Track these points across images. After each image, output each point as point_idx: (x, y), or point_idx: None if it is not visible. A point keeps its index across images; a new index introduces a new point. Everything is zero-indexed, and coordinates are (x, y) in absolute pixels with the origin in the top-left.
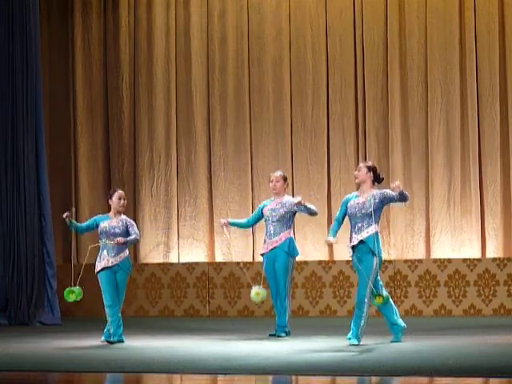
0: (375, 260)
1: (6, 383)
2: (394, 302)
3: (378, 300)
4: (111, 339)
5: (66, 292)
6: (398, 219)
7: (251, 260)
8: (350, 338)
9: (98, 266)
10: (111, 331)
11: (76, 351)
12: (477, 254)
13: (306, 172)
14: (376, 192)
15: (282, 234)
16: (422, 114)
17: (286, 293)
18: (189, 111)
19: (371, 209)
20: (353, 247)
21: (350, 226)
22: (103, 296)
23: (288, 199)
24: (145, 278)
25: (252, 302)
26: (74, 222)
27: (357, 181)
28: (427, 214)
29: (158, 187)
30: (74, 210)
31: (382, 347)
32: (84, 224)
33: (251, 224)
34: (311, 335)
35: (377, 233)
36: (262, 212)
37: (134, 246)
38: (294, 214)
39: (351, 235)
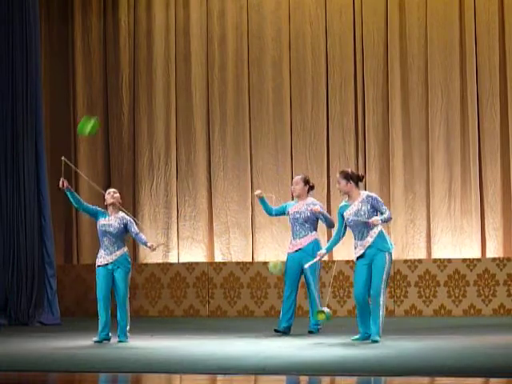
0: (387, 256)
1: (6, 383)
2: (394, 301)
3: (320, 316)
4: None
5: (81, 123)
6: (398, 219)
7: (251, 260)
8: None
9: (96, 263)
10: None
11: (76, 351)
12: (477, 254)
13: (306, 172)
14: (365, 196)
15: (306, 237)
16: (422, 114)
17: (317, 292)
18: (188, 111)
19: (366, 216)
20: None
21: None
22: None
23: (312, 201)
24: (144, 278)
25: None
26: (75, 193)
27: (342, 193)
28: (427, 214)
29: (157, 187)
30: (63, 158)
31: (382, 347)
32: (85, 204)
33: (274, 214)
34: (311, 335)
35: (380, 232)
36: (286, 210)
37: (134, 245)
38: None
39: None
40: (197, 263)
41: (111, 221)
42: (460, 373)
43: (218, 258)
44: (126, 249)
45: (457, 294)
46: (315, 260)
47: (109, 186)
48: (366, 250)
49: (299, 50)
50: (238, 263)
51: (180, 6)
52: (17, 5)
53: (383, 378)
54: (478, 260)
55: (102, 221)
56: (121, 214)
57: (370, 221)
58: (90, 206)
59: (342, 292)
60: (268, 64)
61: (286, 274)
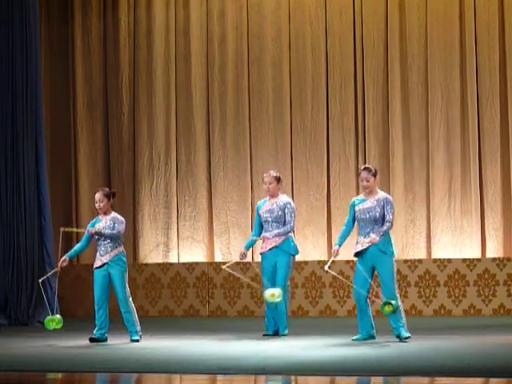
0: (392, 260)
1: (6, 383)
2: None
3: (387, 308)
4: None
5: (46, 320)
6: (398, 219)
7: (250, 260)
8: (398, 335)
9: (93, 266)
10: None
11: (76, 351)
12: (477, 254)
13: (306, 172)
14: (382, 196)
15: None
16: (422, 114)
17: (284, 289)
18: (188, 111)
19: (377, 216)
20: (363, 251)
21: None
22: None
23: (283, 199)
24: (144, 278)
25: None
26: (70, 255)
27: (368, 190)
28: (427, 214)
29: (157, 187)
30: (62, 230)
31: (382, 347)
32: (86, 242)
33: (261, 231)
34: (311, 335)
35: (386, 233)
36: (258, 213)
37: (134, 245)
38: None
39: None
40: (197, 263)
41: (103, 223)
42: (460, 373)
43: (218, 258)
44: (121, 248)
45: (457, 294)
46: (331, 259)
47: (109, 186)
48: (368, 248)
49: (299, 50)
50: (238, 263)
51: (180, 5)
52: (17, 5)
53: (383, 378)
54: (478, 260)
55: (96, 226)
56: (112, 214)
57: (368, 240)
58: (84, 242)
59: (342, 292)
60: (268, 64)
61: (262, 274)
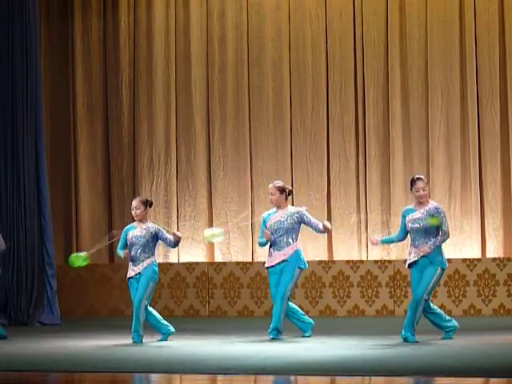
0: (439, 270)
1: (6, 383)
2: (394, 302)
3: (432, 221)
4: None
5: (72, 257)
6: (398, 219)
7: (251, 260)
8: (406, 338)
9: (127, 275)
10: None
11: (76, 351)
12: (477, 254)
13: (306, 172)
14: (433, 207)
15: (289, 247)
16: (422, 114)
17: (284, 300)
18: (188, 111)
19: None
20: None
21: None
22: None
23: (292, 210)
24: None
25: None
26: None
27: (423, 199)
28: None
29: (157, 187)
30: (114, 234)
31: (381, 347)
32: (121, 244)
33: (265, 242)
34: (311, 335)
35: (439, 246)
36: (265, 225)
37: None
38: (300, 224)
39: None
40: (197, 263)
41: (137, 232)
42: (460, 373)
43: (218, 258)
44: (154, 259)
45: (457, 294)
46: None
47: (109, 186)
48: (419, 259)
49: (299, 50)
50: (238, 263)
51: (180, 5)
52: (17, 5)
53: (383, 378)
54: (478, 260)
55: (129, 234)
56: (149, 224)
57: (424, 250)
58: (123, 240)
59: (342, 292)
60: (268, 64)
61: (270, 290)
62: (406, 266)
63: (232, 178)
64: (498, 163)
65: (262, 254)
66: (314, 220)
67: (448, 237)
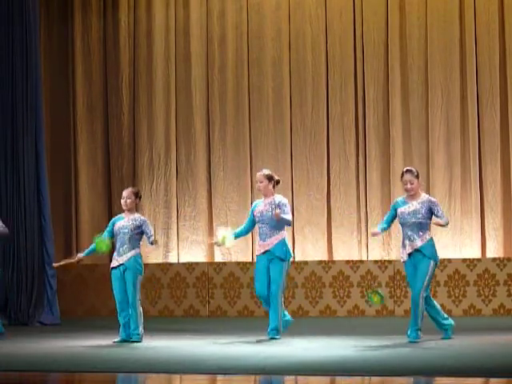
0: (432, 264)
1: (6, 383)
2: (394, 302)
3: (375, 299)
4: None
5: (98, 241)
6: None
7: (250, 260)
8: (411, 337)
9: (111, 265)
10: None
11: (76, 351)
12: (477, 254)
13: (306, 172)
14: (426, 199)
15: (273, 237)
16: (422, 115)
17: (279, 298)
18: (188, 111)
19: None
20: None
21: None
22: None
23: (277, 198)
24: (145, 277)
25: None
26: (86, 254)
27: (412, 193)
28: None
29: (157, 187)
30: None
31: (381, 347)
32: (107, 236)
33: (251, 228)
34: (311, 335)
35: (431, 239)
36: (253, 214)
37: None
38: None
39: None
40: (197, 263)
41: (124, 223)
42: (460, 373)
43: (218, 258)
44: (138, 250)
45: (457, 294)
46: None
47: (109, 186)
48: (413, 251)
49: (299, 50)
50: (238, 263)
51: (180, 5)
52: (17, 5)
53: (383, 378)
54: (478, 260)
55: (117, 224)
56: (136, 215)
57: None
58: (108, 230)
59: (342, 292)
60: (268, 64)
61: (255, 277)
62: (402, 260)
63: (232, 178)
64: (498, 163)
65: None
66: (288, 212)
67: (448, 221)
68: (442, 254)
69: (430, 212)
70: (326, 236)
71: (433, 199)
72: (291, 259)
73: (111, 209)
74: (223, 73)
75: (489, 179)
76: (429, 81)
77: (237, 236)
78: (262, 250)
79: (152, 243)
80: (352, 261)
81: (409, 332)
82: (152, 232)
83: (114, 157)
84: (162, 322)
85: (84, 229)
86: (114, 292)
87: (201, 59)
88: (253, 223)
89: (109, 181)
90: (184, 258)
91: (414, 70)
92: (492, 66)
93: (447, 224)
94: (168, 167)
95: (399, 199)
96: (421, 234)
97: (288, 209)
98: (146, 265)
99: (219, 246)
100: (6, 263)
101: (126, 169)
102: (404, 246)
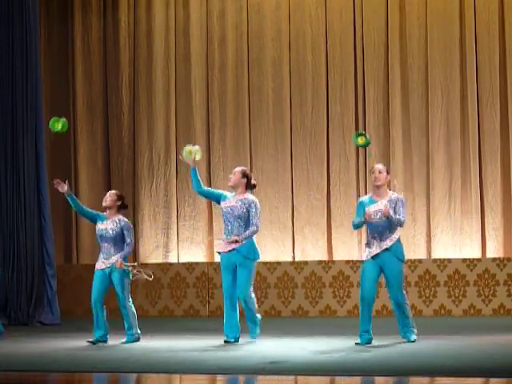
0: (402, 265)
1: (6, 383)
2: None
3: (360, 140)
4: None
5: (52, 121)
6: None
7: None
8: (406, 337)
9: (96, 266)
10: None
11: (76, 351)
12: (477, 254)
13: (306, 172)
14: (394, 197)
15: (240, 236)
16: (422, 114)
17: (248, 295)
18: (188, 111)
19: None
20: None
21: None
22: None
23: (250, 198)
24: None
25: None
26: (75, 198)
27: (379, 183)
28: (427, 214)
29: (157, 187)
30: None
31: (381, 347)
32: (85, 209)
33: (200, 191)
34: (311, 335)
35: (399, 238)
36: (219, 199)
37: (134, 245)
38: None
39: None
40: (197, 263)
41: (108, 225)
42: (460, 373)
43: (218, 258)
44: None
45: (457, 294)
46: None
47: (109, 186)
48: (381, 252)
49: (299, 50)
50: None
51: (180, 5)
52: (17, 5)
53: (383, 378)
54: (478, 260)
55: (99, 225)
56: (120, 216)
57: (386, 209)
58: (90, 210)
59: (342, 292)
60: (268, 64)
61: (222, 276)
62: (366, 258)
63: None
64: (498, 163)
65: (262, 254)
66: (254, 220)
67: (401, 223)
68: (442, 254)
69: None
70: (325, 236)
71: (401, 197)
72: (258, 260)
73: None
74: (223, 73)
75: (489, 179)
76: (429, 81)
77: (195, 176)
78: (229, 248)
79: (128, 253)
80: (352, 261)
81: (403, 334)
82: (132, 240)
83: (114, 157)
84: (161, 321)
85: (84, 229)
86: (92, 291)
87: (201, 59)
88: (207, 195)
89: (109, 181)
90: (184, 258)
91: (414, 69)
92: (492, 65)
93: (400, 225)
94: (168, 167)
95: (365, 198)
96: (389, 233)
97: (257, 212)
98: (146, 265)
99: (187, 159)
100: (5, 263)
101: (125, 169)
102: (369, 245)
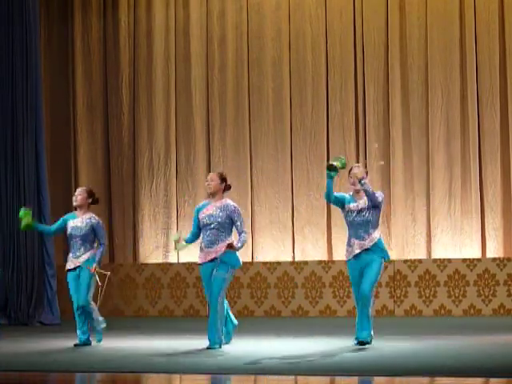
0: (382, 263)
1: (6, 383)
2: (394, 302)
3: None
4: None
5: (22, 212)
6: (398, 219)
7: (250, 260)
8: (358, 338)
9: (66, 267)
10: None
11: (76, 351)
12: (477, 254)
13: (306, 172)
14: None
15: (221, 244)
16: (422, 114)
17: (217, 303)
18: (188, 111)
19: (366, 216)
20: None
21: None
22: None
23: (228, 203)
24: (144, 278)
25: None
26: (40, 225)
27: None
28: (427, 214)
29: (157, 187)
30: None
31: (381, 347)
32: (53, 228)
33: (199, 233)
34: (311, 335)
35: (380, 237)
36: (198, 217)
37: (134, 245)
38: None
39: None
40: (197, 263)
41: (78, 223)
42: (460, 373)
43: None
44: (94, 251)
45: (457, 294)
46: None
47: (109, 186)
48: (362, 252)
49: (299, 50)
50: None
51: (180, 6)
52: (17, 5)
53: (383, 378)
54: (478, 260)
55: (70, 223)
56: (89, 214)
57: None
58: (55, 225)
59: (342, 292)
60: (268, 64)
61: (203, 282)
62: (348, 257)
63: (232, 178)
64: (498, 163)
65: (262, 254)
66: (242, 228)
67: (379, 206)
68: (442, 254)
69: (378, 209)
70: (325, 236)
71: (382, 195)
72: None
73: (111, 209)
74: (223, 73)
75: (489, 179)
76: (429, 81)
77: (188, 242)
78: (208, 258)
79: (101, 255)
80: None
81: (358, 334)
82: (104, 235)
83: (114, 157)
84: (162, 321)
85: None
86: (72, 296)
87: (201, 59)
88: (199, 229)
89: (109, 181)
90: (184, 258)
91: (414, 70)
92: (492, 65)
93: (375, 202)
94: (168, 167)
95: (347, 195)
96: (370, 233)
97: (242, 218)
98: (146, 265)
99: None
100: (6, 263)
101: (125, 169)
102: (350, 245)
